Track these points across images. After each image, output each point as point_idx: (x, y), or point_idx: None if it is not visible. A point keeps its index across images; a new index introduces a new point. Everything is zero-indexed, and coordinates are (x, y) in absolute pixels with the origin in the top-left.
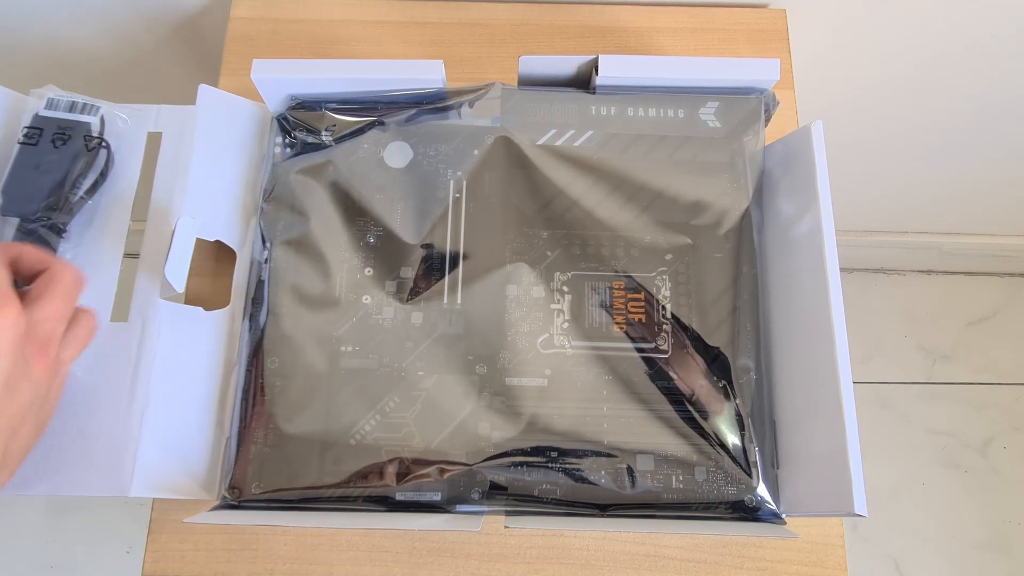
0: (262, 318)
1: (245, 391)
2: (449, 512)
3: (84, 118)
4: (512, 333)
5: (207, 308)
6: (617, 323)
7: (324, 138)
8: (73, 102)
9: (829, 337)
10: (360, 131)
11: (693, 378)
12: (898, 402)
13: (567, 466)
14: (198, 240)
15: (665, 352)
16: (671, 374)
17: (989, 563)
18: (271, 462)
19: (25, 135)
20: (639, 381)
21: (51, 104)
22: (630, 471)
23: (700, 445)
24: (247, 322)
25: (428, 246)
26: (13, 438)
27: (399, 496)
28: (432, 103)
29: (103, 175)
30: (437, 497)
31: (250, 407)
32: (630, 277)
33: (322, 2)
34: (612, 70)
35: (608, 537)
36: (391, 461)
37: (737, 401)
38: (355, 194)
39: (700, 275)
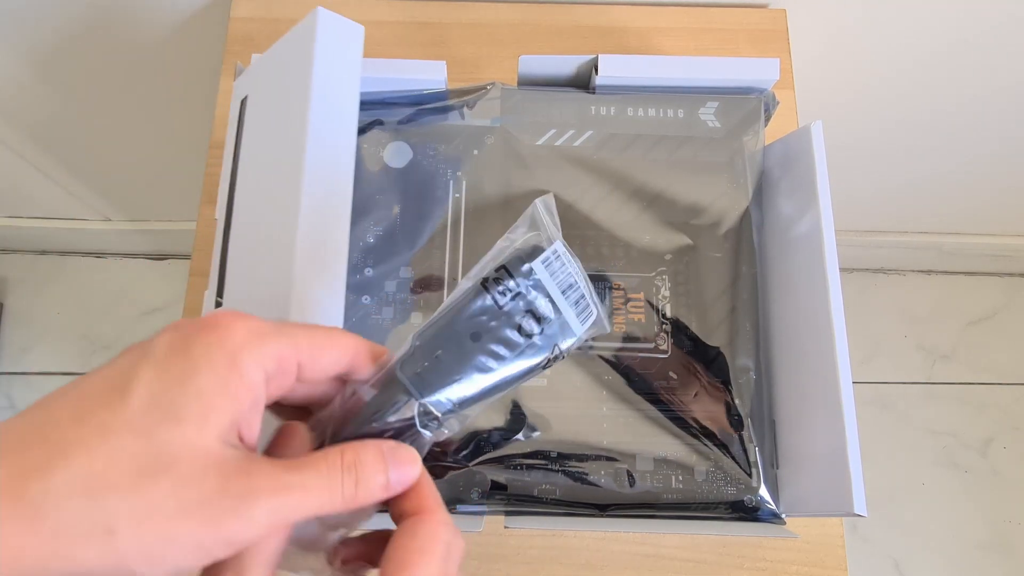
0: None
1: None
2: (449, 512)
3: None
4: None
5: None
6: (616, 323)
7: None
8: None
9: (829, 337)
10: (360, 131)
11: (692, 378)
12: (898, 402)
13: (567, 466)
14: None
15: (664, 352)
16: (670, 374)
17: (989, 563)
18: None
19: (495, 281)
20: (639, 381)
21: (548, 264)
22: (630, 471)
23: (699, 445)
24: None
25: (428, 246)
26: None
27: None
28: (432, 103)
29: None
30: None
31: None
32: (630, 277)
33: (322, 3)
34: (612, 70)
35: (608, 537)
36: None
37: (736, 401)
38: (355, 194)
39: (699, 275)
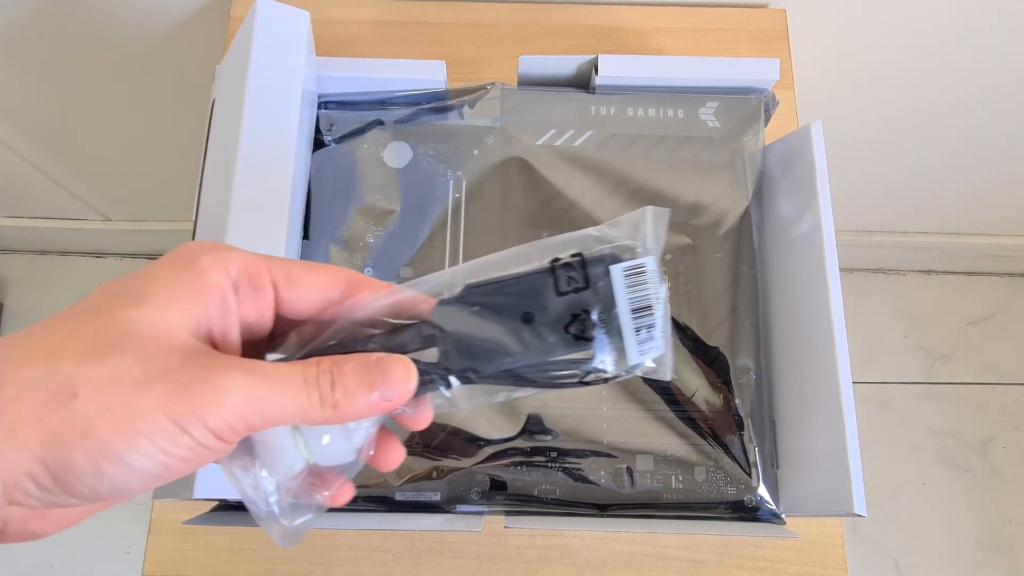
0: None
1: None
2: (449, 512)
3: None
4: None
5: None
6: None
7: (324, 138)
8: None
9: (829, 337)
10: (360, 131)
11: (692, 378)
12: (898, 402)
13: (567, 466)
14: None
15: None
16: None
17: (989, 563)
18: None
19: (565, 266)
20: (638, 381)
21: (630, 275)
22: (630, 471)
23: (700, 445)
24: None
25: (428, 246)
26: None
27: (399, 496)
28: (432, 103)
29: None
30: (437, 497)
31: None
32: None
33: (322, 2)
34: (612, 70)
35: (608, 537)
36: None
37: (737, 401)
38: (355, 194)
39: (700, 275)
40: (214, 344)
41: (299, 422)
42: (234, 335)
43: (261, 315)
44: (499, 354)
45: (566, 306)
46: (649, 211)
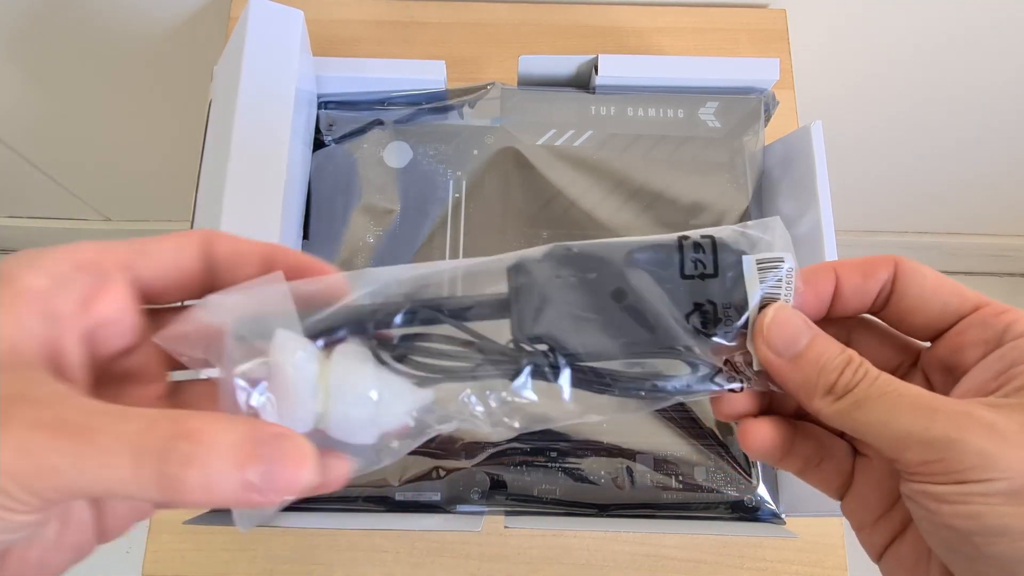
0: None
1: None
2: (449, 512)
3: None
4: None
5: None
6: None
7: (324, 138)
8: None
9: None
10: (360, 131)
11: None
12: None
13: (567, 466)
14: None
15: None
16: None
17: None
18: None
19: (694, 246)
20: None
21: (765, 268)
22: (630, 471)
23: (699, 445)
24: None
25: (428, 246)
26: None
27: (399, 496)
28: (432, 103)
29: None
30: (437, 497)
31: None
32: None
33: (322, 2)
34: (612, 70)
35: (608, 537)
36: None
37: None
38: (355, 194)
39: None
40: (59, 367)
41: (121, 496)
42: (71, 348)
43: (121, 307)
44: (607, 338)
45: (688, 292)
46: (779, 220)
